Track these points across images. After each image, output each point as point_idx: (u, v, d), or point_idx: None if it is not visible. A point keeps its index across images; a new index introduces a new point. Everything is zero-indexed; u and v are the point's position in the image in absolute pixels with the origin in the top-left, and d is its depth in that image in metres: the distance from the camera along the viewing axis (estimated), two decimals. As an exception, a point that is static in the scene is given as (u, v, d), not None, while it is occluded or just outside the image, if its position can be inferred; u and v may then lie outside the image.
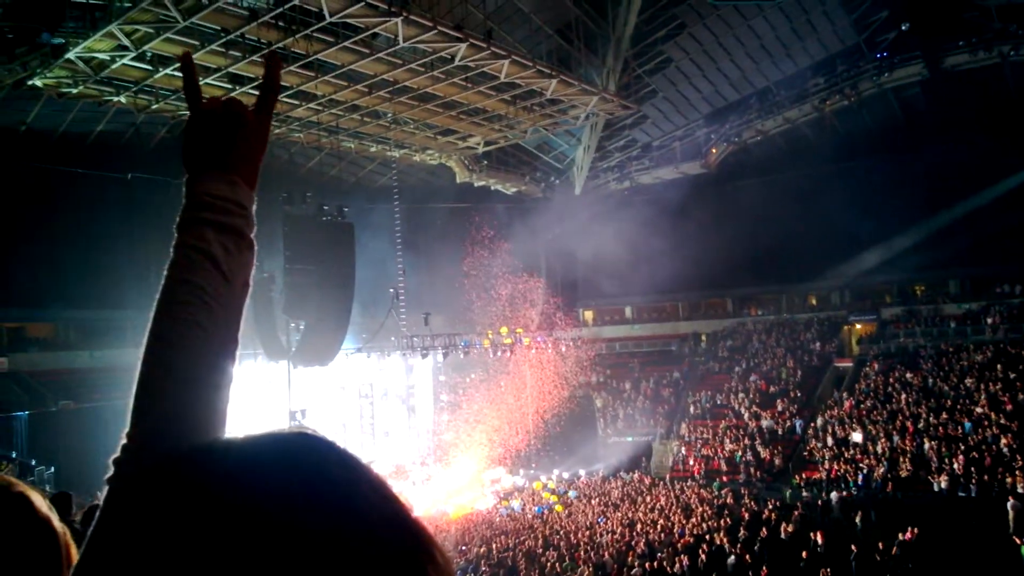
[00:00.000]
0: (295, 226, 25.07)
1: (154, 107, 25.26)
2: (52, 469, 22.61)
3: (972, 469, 23.51)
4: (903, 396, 28.35)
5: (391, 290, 29.83)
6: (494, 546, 21.79)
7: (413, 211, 33.76)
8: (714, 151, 36.62)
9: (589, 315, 43.58)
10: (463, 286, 32.91)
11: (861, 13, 29.67)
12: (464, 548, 21.80)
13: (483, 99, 27.33)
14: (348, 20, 20.04)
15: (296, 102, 26.11)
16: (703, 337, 39.69)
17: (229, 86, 23.50)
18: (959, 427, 25.63)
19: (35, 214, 26.12)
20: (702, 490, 26.46)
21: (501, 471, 32.32)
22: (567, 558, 20.89)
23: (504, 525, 24.49)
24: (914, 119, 33.64)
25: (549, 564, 20.33)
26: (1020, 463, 23.07)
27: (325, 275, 24.92)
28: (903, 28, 30.10)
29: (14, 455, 22.90)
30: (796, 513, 23.11)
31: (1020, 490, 21.90)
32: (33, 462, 22.70)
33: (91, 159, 28.52)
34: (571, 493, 27.60)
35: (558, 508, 25.62)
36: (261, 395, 28.33)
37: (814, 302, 39.51)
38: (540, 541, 22.23)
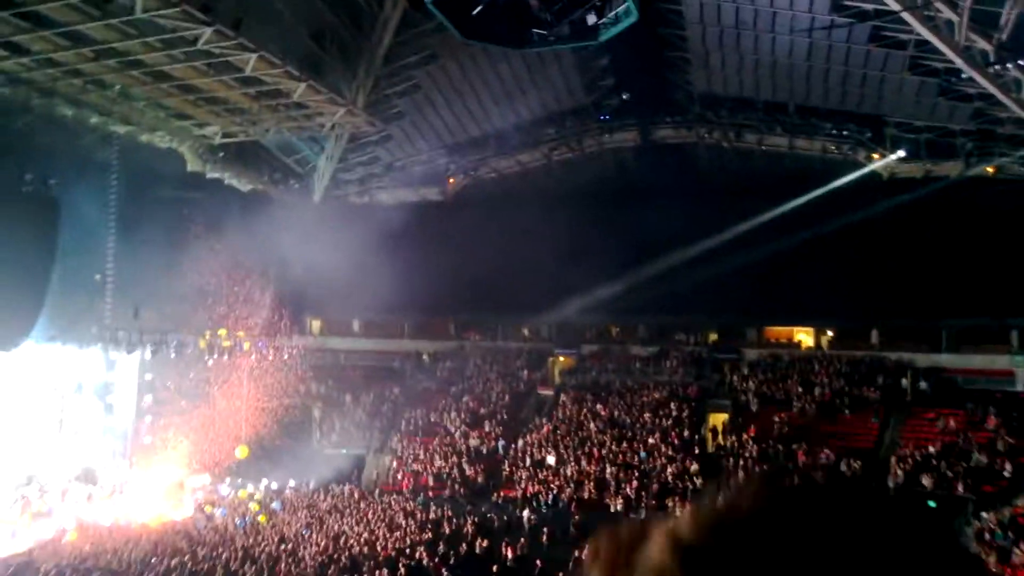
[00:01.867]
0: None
1: None
2: None
3: (643, 493, 26.95)
4: (593, 425, 31.65)
5: (97, 276, 27.22)
6: (188, 558, 20.69)
7: (133, 194, 30.91)
8: (452, 181, 38.40)
9: (316, 325, 42.97)
10: (181, 281, 30.72)
11: (591, 77, 33.18)
12: (155, 560, 20.42)
13: (225, 89, 26.12)
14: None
15: (4, 52, 22.97)
16: (425, 356, 40.99)
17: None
18: (636, 455, 29.21)
19: None
20: (408, 504, 27.34)
21: (206, 478, 30.60)
22: (266, 571, 20.51)
23: (203, 536, 23.31)
24: (626, 178, 38.07)
25: (247, 577, 19.81)
26: (680, 489, 26.92)
27: (17, 250, 22.24)
28: (624, 97, 34.36)
29: None
30: (491, 528, 24.89)
31: (678, 513, 25.51)
32: None
33: None
34: (276, 504, 26.98)
35: (262, 519, 24.95)
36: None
37: (526, 333, 42.60)
38: (240, 553, 21.52)
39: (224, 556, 21.14)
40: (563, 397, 34.59)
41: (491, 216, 38.04)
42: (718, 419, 31.80)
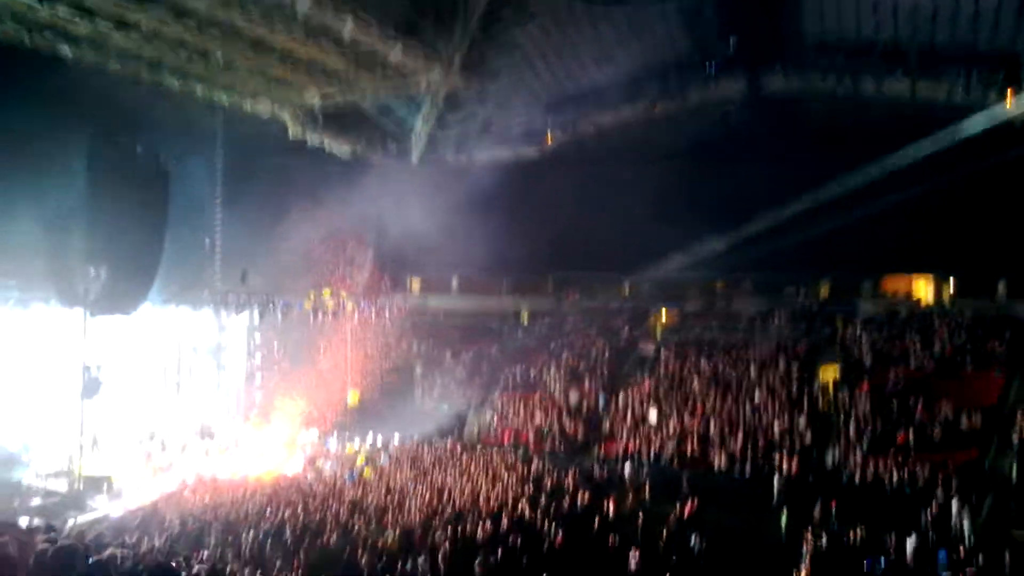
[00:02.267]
0: (106, 165, 23.30)
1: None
2: None
3: (748, 449, 26.15)
4: (696, 381, 30.87)
5: (207, 240, 28.42)
6: (300, 510, 21.55)
7: (238, 162, 32.03)
8: (550, 138, 37.86)
9: (415, 284, 43.71)
10: (286, 245, 31.75)
11: (696, 27, 31.71)
12: (269, 512, 21.37)
13: (323, 55, 26.45)
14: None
15: (114, 29, 23.96)
16: (523, 314, 41.04)
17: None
18: (740, 411, 28.33)
19: None
20: (509, 458, 27.55)
21: (314, 434, 31.86)
22: (375, 523, 21.11)
23: (313, 490, 24.23)
24: (732, 131, 36.37)
25: (357, 529, 20.44)
26: (787, 446, 25.96)
27: (134, 219, 23.36)
28: (731, 47, 32.66)
29: None
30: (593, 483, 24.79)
31: (785, 469, 24.69)
32: None
33: None
34: (382, 459, 27.71)
35: (367, 472, 25.69)
36: (52, 344, 25.99)
37: (627, 291, 41.96)
38: (348, 506, 22.24)
39: (334, 508, 21.89)
40: (665, 353, 33.85)
41: (590, 173, 37.46)
42: (829, 375, 30.32)
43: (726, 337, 35.00)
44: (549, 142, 37.87)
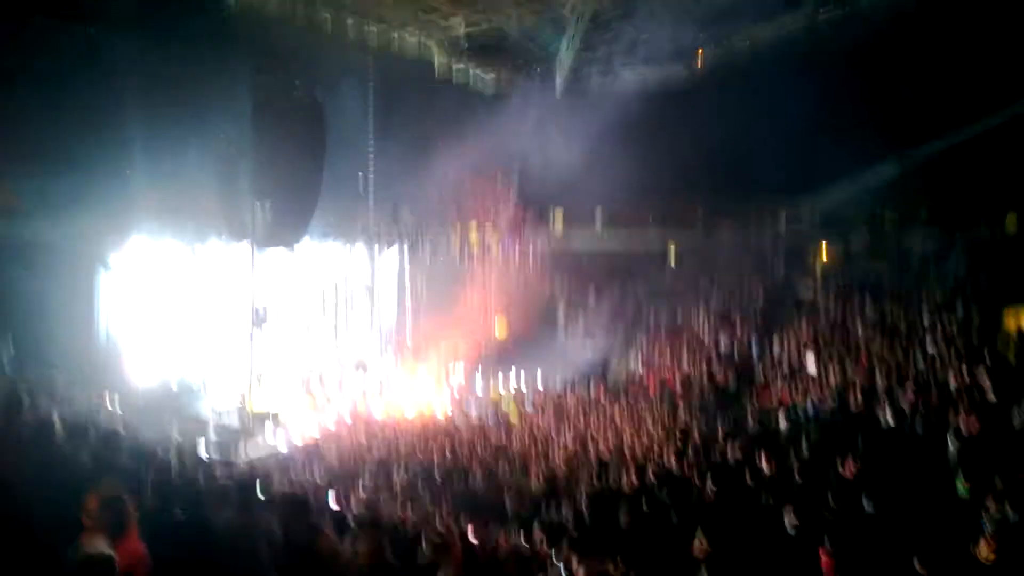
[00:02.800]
0: (266, 101, 24.05)
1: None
2: (10, 345, 21.76)
3: (919, 404, 24.09)
4: (861, 327, 28.69)
5: (360, 174, 28.92)
6: (448, 451, 22.04)
7: (388, 98, 32.23)
8: (701, 53, 35.36)
9: (559, 219, 42.91)
10: (434, 181, 31.85)
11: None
12: (419, 451, 22.01)
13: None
14: None
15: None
16: (672, 251, 39.50)
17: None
18: (911, 363, 26.09)
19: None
20: (655, 408, 26.94)
21: (460, 376, 32.50)
22: (519, 468, 21.28)
23: (460, 432, 24.74)
24: (908, 37, 32.31)
25: (501, 473, 20.69)
26: (965, 402, 23.68)
27: (294, 154, 24.11)
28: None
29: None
30: (745, 436, 23.74)
31: (962, 428, 22.58)
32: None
33: (53, 6, 26.08)
34: (526, 403, 27.87)
35: (513, 417, 25.91)
36: (223, 281, 27.57)
37: (784, 222, 39.37)
38: (493, 449, 22.53)
39: (479, 451, 22.25)
40: (825, 295, 31.62)
41: (745, 91, 34.81)
42: (1016, 320, 27.20)
43: (896, 276, 32.24)
44: (700, 58, 35.35)
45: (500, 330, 31.57)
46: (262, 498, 7.41)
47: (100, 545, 3.14)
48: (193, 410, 26.32)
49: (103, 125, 26.40)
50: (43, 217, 28.01)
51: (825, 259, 35.57)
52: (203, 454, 15.96)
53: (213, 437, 23.68)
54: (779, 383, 27.05)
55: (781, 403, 25.98)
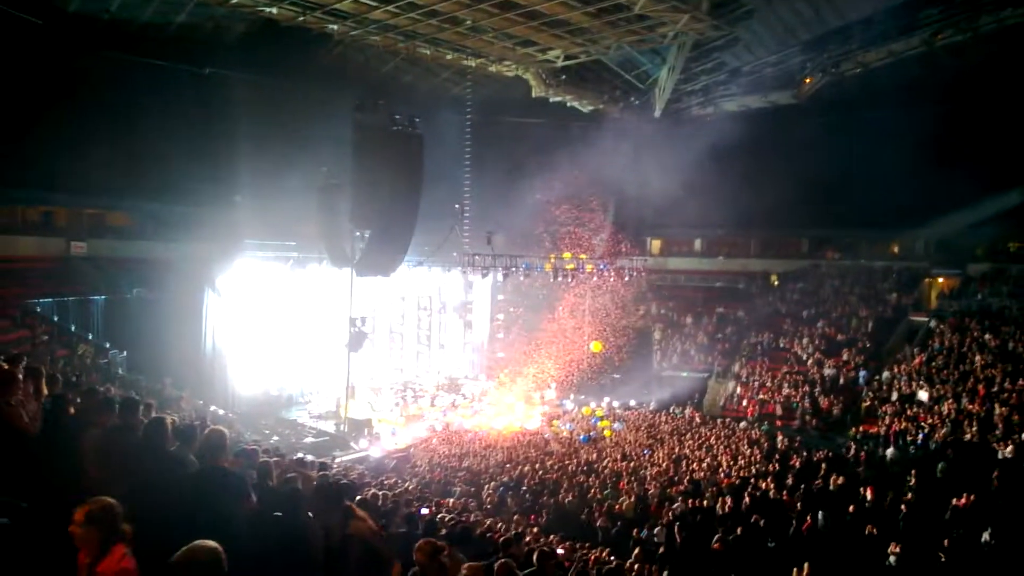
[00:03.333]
0: (366, 134, 24.90)
1: (233, 1, 25.10)
2: (124, 354, 23.61)
3: (1043, 440, 22.38)
4: (978, 357, 26.98)
5: (456, 206, 29.62)
6: (537, 466, 22.03)
7: (484, 124, 33.05)
8: (808, 81, 34.49)
9: (656, 244, 42.58)
10: (529, 206, 32.28)
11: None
12: (508, 466, 22.09)
13: (567, 11, 26.24)
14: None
15: (374, 3, 25.58)
16: (773, 277, 38.41)
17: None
18: (1033, 394, 24.30)
19: (114, 104, 26.37)
20: (753, 432, 26.08)
21: (552, 393, 32.51)
22: (609, 486, 21.03)
23: (550, 447, 24.70)
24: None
25: (592, 490, 20.50)
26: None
27: (393, 186, 24.82)
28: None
29: (90, 337, 23.96)
30: (848, 465, 22.64)
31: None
32: (107, 345, 23.72)
33: (170, 51, 28.61)
34: (617, 424, 27.52)
35: (607, 434, 25.63)
36: (323, 300, 28.88)
37: (895, 251, 37.71)
38: (584, 467, 22.36)
39: (570, 468, 22.11)
40: (941, 325, 29.90)
41: (854, 117, 33.80)
42: None
43: (1020, 305, 30.18)
44: (806, 85, 34.49)
45: (594, 352, 31.41)
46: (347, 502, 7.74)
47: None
48: (292, 417, 27.56)
49: (213, 156, 28.58)
50: (157, 239, 30.51)
51: (941, 287, 33.70)
52: (300, 457, 16.55)
53: (310, 440, 24.61)
54: (887, 413, 25.69)
55: (889, 433, 24.70)
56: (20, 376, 6.26)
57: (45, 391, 7.13)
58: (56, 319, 23.78)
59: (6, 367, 6.72)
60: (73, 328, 24.00)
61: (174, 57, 28.60)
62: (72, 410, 6.38)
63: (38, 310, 23.28)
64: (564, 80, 33.99)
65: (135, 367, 23.37)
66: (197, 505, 4.88)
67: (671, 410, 29.75)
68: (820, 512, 19.78)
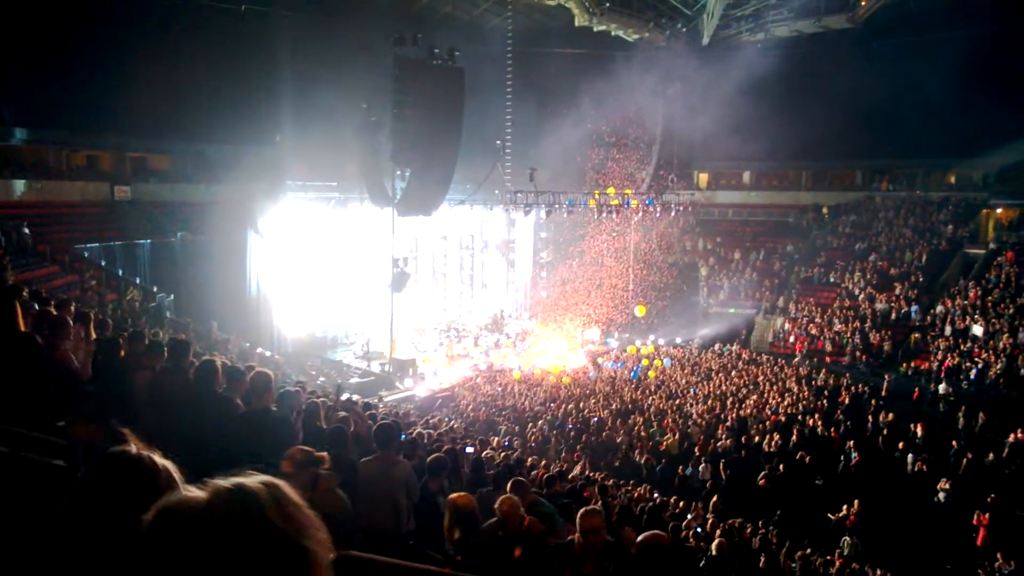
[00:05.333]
0: (405, 70, 24.30)
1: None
2: (171, 297, 23.99)
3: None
4: (1037, 290, 26.06)
5: (497, 142, 29.04)
6: (582, 405, 22.10)
7: (525, 57, 32.03)
8: (864, 3, 32.75)
9: (704, 178, 41.47)
10: (572, 141, 31.51)
11: None
12: (552, 404, 22.19)
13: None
14: None
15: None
16: (824, 210, 37.28)
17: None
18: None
19: (153, 47, 26.16)
20: (801, 369, 25.73)
21: (596, 332, 32.34)
22: (655, 424, 21.04)
23: (595, 386, 24.70)
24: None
25: (636, 428, 20.53)
26: None
27: (433, 122, 24.34)
28: None
29: (138, 280, 24.37)
30: (897, 401, 22.29)
31: None
32: (155, 289, 24.11)
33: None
34: (665, 361, 27.33)
35: (652, 374, 25.53)
36: (365, 240, 28.88)
37: (952, 180, 36.23)
38: (629, 405, 22.36)
39: (614, 406, 22.13)
40: (999, 257, 28.84)
41: (910, 42, 32.12)
42: None
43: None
44: (863, 7, 32.74)
45: (641, 307, 30.92)
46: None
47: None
48: (337, 357, 27.95)
49: (253, 96, 28.36)
50: (199, 181, 30.66)
51: (999, 219, 32.39)
52: (346, 398, 16.78)
53: (356, 380, 24.97)
54: (940, 348, 25.08)
55: (942, 369, 24.16)
56: (70, 320, 6.31)
57: (94, 335, 7.20)
58: (104, 263, 24.09)
59: (55, 312, 6.80)
60: (121, 272, 24.33)
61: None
62: (122, 353, 6.43)
63: (86, 255, 23.57)
64: (608, 7, 32.72)
65: (182, 310, 23.76)
66: (245, 446, 4.92)
67: (717, 347, 29.46)
68: (868, 449, 19.65)
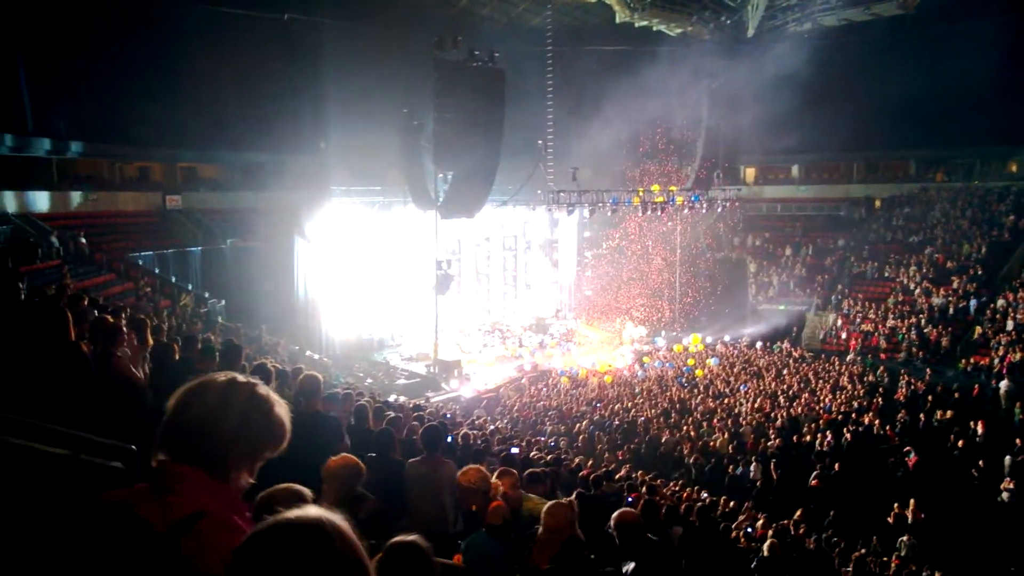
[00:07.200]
0: (446, 73, 24.49)
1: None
2: (223, 302, 24.57)
3: None
4: (1105, 283, 25.03)
5: (539, 142, 29.00)
6: (629, 404, 21.93)
7: (566, 56, 31.95)
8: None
9: (751, 173, 40.78)
10: (616, 139, 31.29)
11: None
12: (599, 404, 22.07)
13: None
14: None
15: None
16: (877, 202, 36.33)
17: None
18: None
19: (199, 59, 26.75)
20: (855, 367, 25.15)
21: (642, 331, 32.07)
22: (704, 424, 20.75)
23: (641, 385, 24.50)
24: None
25: (685, 428, 20.28)
26: None
27: (474, 125, 24.43)
28: None
29: (190, 287, 25.02)
30: (957, 398, 21.60)
31: None
32: (207, 295, 24.72)
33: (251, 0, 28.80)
34: (713, 360, 26.98)
35: (698, 372, 25.21)
36: (409, 243, 29.17)
37: (1014, 169, 34.99)
38: (677, 405, 22.11)
39: (662, 405, 21.91)
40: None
41: (965, 28, 31.06)
42: None
43: None
44: (914, -4, 31.83)
45: (695, 337, 30.50)
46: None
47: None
48: (383, 359, 28.25)
49: (298, 104, 28.86)
50: (247, 188, 31.35)
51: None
52: (393, 399, 16.93)
53: (402, 381, 25.22)
54: (1001, 344, 24.24)
55: (1004, 365, 23.34)
56: (124, 327, 6.48)
57: (150, 341, 7.38)
58: (157, 271, 24.84)
59: (110, 319, 7.00)
60: (174, 279, 25.05)
61: (251, 4, 28.69)
62: (177, 357, 6.58)
63: (140, 263, 24.36)
64: (650, 2, 32.39)
65: (233, 315, 24.29)
66: (293, 448, 4.97)
67: (767, 345, 28.97)
68: (926, 448, 19.07)
